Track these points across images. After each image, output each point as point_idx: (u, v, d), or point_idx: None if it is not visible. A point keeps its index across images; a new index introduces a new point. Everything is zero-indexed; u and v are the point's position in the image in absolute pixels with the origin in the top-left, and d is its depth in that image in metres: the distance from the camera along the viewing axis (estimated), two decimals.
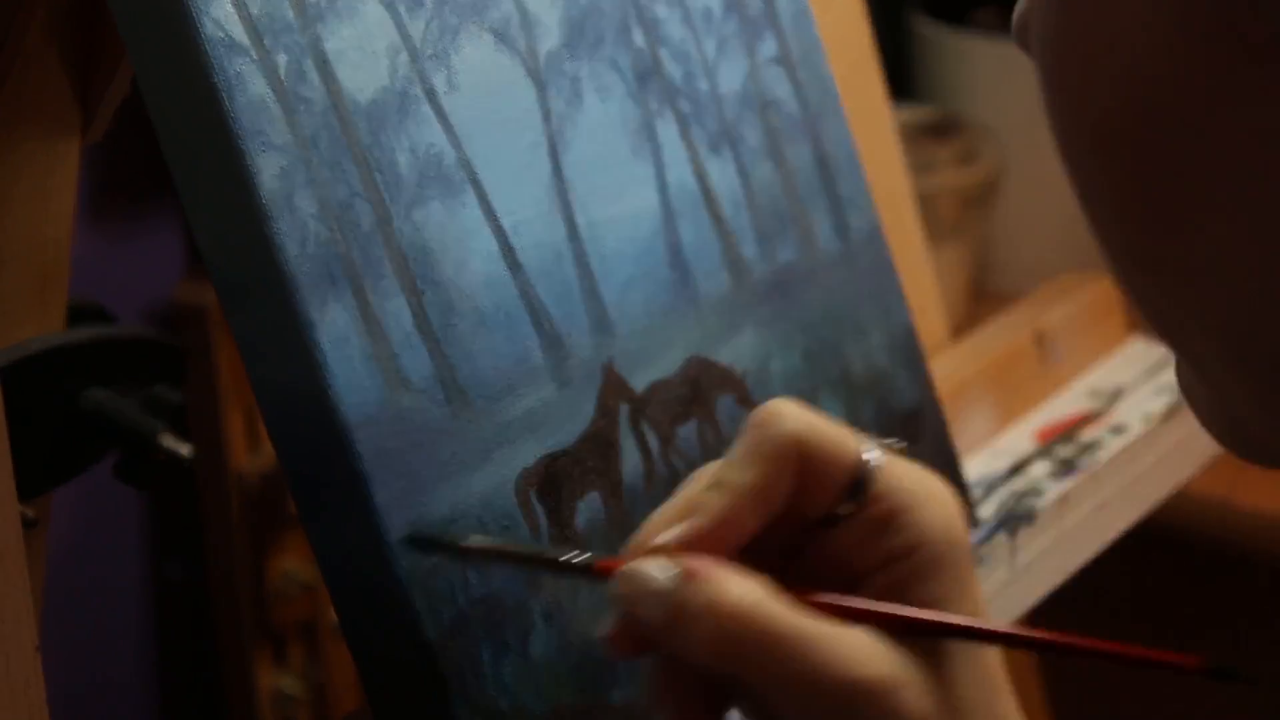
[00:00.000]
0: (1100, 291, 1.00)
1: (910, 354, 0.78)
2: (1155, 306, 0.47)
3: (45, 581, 0.86)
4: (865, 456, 0.57)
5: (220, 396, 1.21)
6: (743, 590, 0.54)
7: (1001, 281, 1.57)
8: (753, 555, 0.57)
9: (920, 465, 0.59)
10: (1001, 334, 0.97)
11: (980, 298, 1.54)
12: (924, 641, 0.56)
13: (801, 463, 0.57)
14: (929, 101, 1.56)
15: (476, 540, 0.60)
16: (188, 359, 0.87)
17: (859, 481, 0.57)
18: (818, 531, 0.58)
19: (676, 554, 0.55)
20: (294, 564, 1.26)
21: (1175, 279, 0.46)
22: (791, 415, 0.57)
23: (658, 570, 0.55)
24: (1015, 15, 0.49)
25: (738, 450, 0.57)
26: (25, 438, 0.72)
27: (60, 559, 1.18)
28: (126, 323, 0.88)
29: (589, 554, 0.58)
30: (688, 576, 0.55)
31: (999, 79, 1.52)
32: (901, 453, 0.59)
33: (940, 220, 1.46)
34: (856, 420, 0.75)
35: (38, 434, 0.80)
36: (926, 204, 1.16)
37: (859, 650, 0.54)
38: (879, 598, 0.57)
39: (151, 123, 0.59)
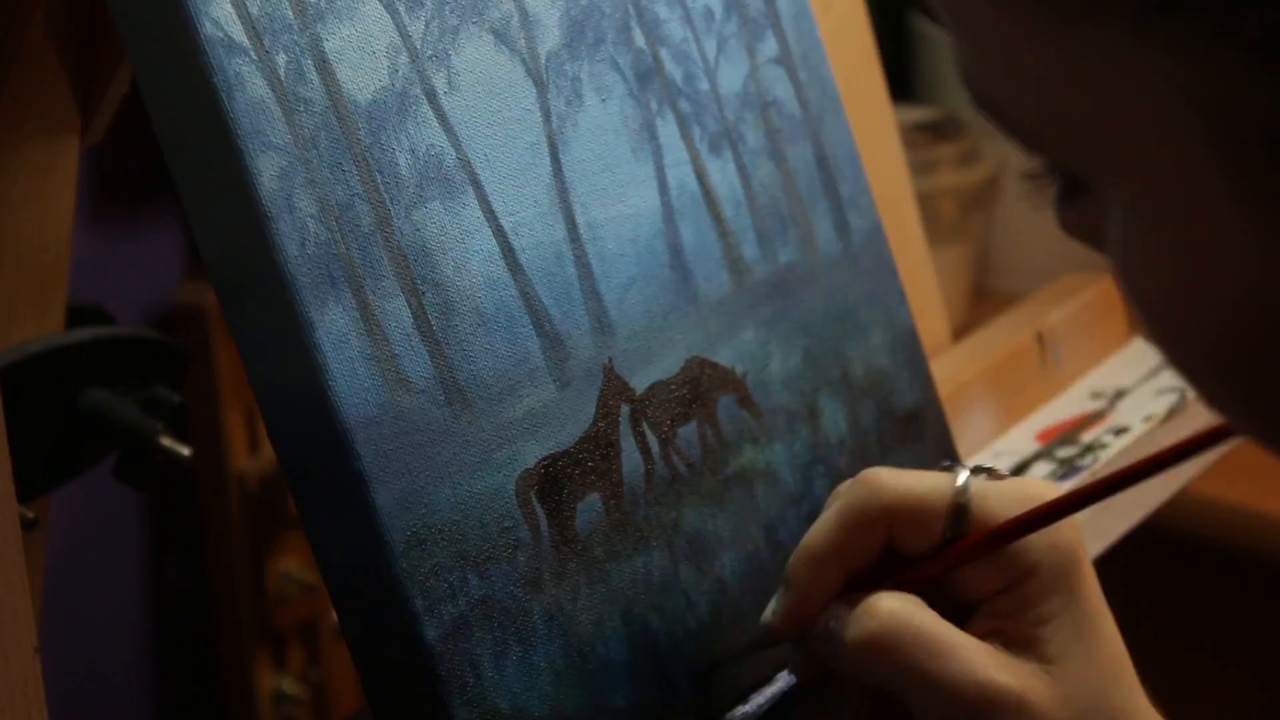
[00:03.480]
0: (1101, 292, 0.99)
1: (912, 355, 0.78)
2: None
3: (45, 582, 0.85)
4: (958, 497, 0.63)
5: (220, 397, 1.21)
6: (895, 601, 0.62)
7: (1002, 282, 1.56)
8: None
9: (1019, 482, 0.65)
10: (1002, 335, 0.96)
11: (981, 298, 1.53)
12: (1040, 651, 0.62)
13: (892, 524, 0.63)
14: (929, 102, 1.56)
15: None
16: (187, 360, 0.87)
17: (956, 520, 0.63)
18: (937, 565, 0.64)
19: (778, 629, 0.64)
20: (293, 565, 1.26)
21: None
22: (875, 488, 0.64)
23: (829, 618, 0.63)
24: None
25: (823, 520, 0.64)
26: (25, 438, 0.71)
27: (60, 560, 1.17)
28: (126, 323, 0.87)
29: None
30: (848, 604, 0.63)
31: None
32: (999, 476, 0.65)
33: (941, 221, 1.45)
34: (857, 422, 0.75)
35: (37, 434, 0.80)
36: (927, 204, 1.16)
37: (995, 658, 0.61)
38: (1000, 619, 0.63)
39: (151, 123, 0.59)
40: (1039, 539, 0.63)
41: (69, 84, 0.74)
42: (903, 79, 1.58)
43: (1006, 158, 1.50)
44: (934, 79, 1.57)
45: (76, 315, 0.82)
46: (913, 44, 1.59)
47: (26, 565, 0.62)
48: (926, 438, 0.78)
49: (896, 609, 0.61)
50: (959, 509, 0.63)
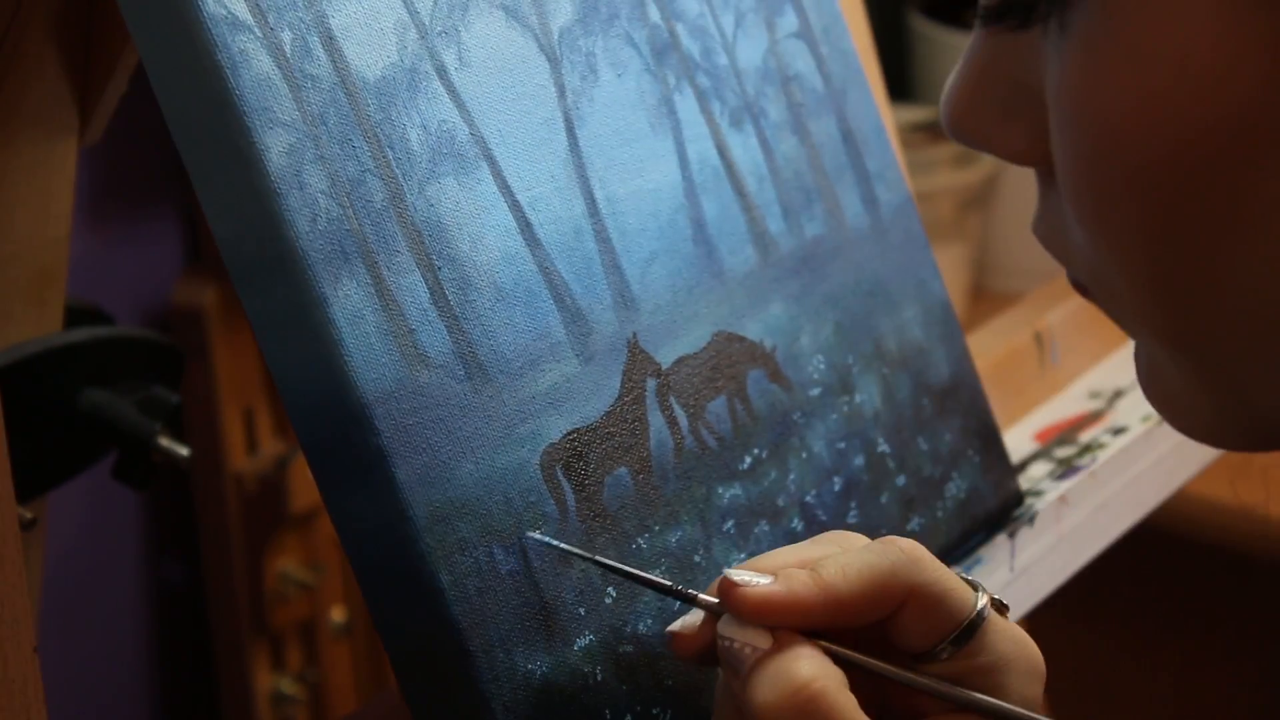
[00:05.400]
0: None
1: (947, 328, 0.77)
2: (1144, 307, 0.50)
3: (44, 582, 0.85)
4: (978, 609, 0.58)
5: (218, 398, 1.22)
6: (819, 668, 0.54)
7: (1001, 282, 1.57)
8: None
9: (1018, 629, 0.60)
10: (1001, 335, 0.96)
11: (979, 298, 1.55)
12: None
13: (909, 605, 0.57)
14: (928, 101, 1.56)
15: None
16: (185, 360, 0.87)
17: (966, 632, 0.57)
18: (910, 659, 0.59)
19: (744, 599, 0.56)
20: (291, 565, 1.27)
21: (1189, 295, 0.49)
22: (918, 560, 0.57)
23: (756, 635, 0.55)
24: (951, 111, 0.51)
25: (857, 560, 0.57)
26: (24, 438, 0.71)
27: (59, 560, 1.18)
28: (124, 324, 0.87)
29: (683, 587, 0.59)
30: (779, 643, 0.55)
31: None
32: (1004, 612, 0.60)
33: (939, 221, 1.46)
34: (891, 396, 0.73)
35: (36, 435, 0.80)
36: (926, 204, 1.15)
37: None
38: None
39: (148, 125, 0.58)
40: (1021, 689, 0.59)
41: (67, 84, 0.74)
42: (901, 79, 1.58)
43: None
44: (931, 79, 1.57)
45: (75, 315, 0.82)
46: (911, 44, 1.59)
47: (25, 565, 0.62)
48: (963, 412, 0.76)
49: (822, 686, 0.54)
50: (972, 626, 0.58)
